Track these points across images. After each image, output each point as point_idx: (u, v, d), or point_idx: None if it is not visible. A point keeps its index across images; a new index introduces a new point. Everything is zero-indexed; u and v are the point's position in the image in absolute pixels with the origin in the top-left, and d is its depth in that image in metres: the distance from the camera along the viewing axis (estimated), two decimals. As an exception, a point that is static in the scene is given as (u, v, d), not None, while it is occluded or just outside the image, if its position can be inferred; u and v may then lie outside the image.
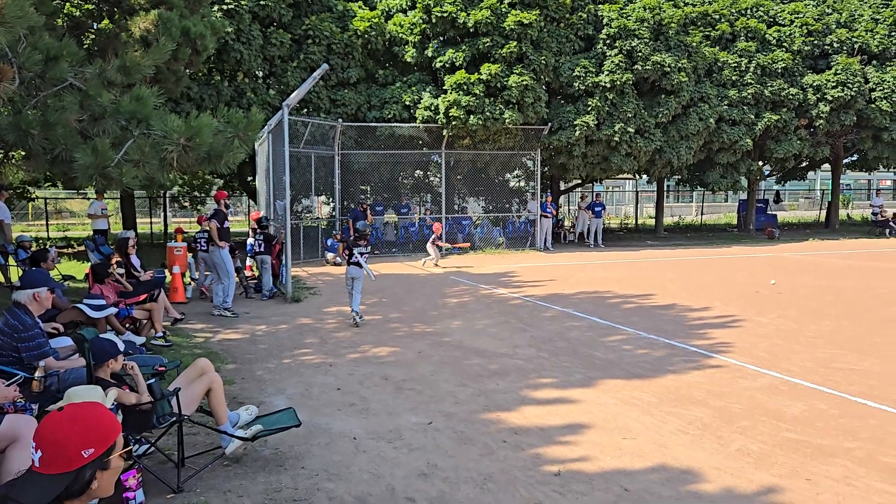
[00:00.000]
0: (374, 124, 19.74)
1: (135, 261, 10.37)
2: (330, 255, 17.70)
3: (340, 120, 18.96)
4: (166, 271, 12.48)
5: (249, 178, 22.78)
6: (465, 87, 18.98)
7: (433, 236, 17.48)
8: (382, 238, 21.59)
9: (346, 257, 10.00)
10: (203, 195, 29.57)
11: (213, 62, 17.66)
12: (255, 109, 6.48)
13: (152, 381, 4.41)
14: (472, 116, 19.02)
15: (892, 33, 25.12)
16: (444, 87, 19.43)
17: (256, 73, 18.69)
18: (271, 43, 18.15)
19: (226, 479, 4.57)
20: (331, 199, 21.35)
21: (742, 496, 4.32)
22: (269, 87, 18.65)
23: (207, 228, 11.33)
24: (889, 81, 24.24)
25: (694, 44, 21.75)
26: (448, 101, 19.00)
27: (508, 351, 8.21)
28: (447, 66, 19.65)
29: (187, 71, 12.78)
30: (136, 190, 19.96)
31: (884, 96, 24.19)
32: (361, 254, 9.84)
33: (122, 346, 4.38)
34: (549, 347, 8.37)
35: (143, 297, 8.54)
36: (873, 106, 24.25)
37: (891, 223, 27.35)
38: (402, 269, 16.43)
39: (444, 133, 19.76)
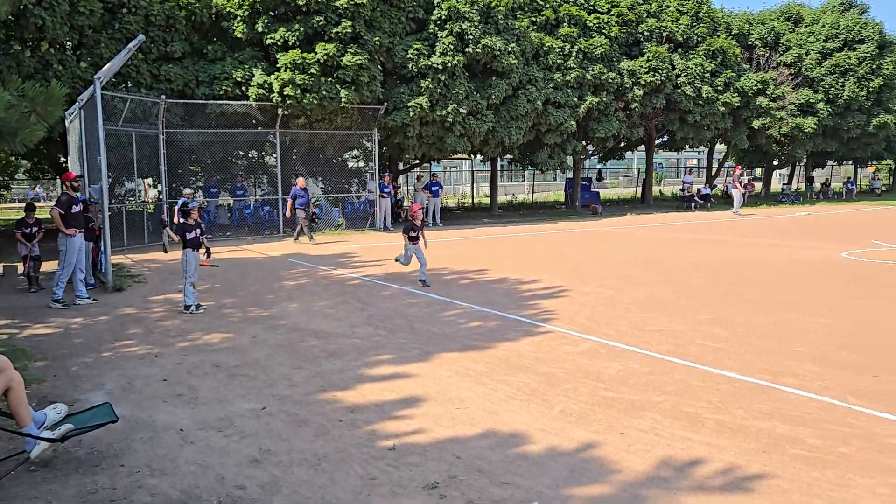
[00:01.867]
0: (201, 101, 18.73)
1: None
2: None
3: (164, 96, 17.79)
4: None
5: (62, 160, 20.83)
6: (300, 66, 18.49)
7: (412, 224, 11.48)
8: (215, 221, 20.66)
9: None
10: (6, 178, 26.68)
11: (10, 28, 15.83)
12: (56, 83, 5.89)
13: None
14: (307, 95, 18.58)
15: (694, 24, 27.59)
16: (278, 65, 18.81)
17: (64, 42, 17.02)
18: (79, 11, 16.55)
19: (32, 484, 4.18)
20: (157, 182, 20.02)
21: (564, 453, 4.61)
22: (80, 60, 17.07)
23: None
24: (692, 69, 26.66)
25: (521, 28, 22.60)
26: (282, 79, 18.43)
27: (346, 331, 8.17)
28: (280, 43, 19.01)
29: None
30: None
31: (688, 82, 26.59)
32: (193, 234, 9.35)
33: None
34: (387, 325, 8.43)
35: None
36: (679, 91, 26.59)
37: (696, 198, 30.23)
38: (236, 253, 15.81)
39: (279, 112, 19.17)
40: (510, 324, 8.44)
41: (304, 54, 18.51)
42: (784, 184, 39.77)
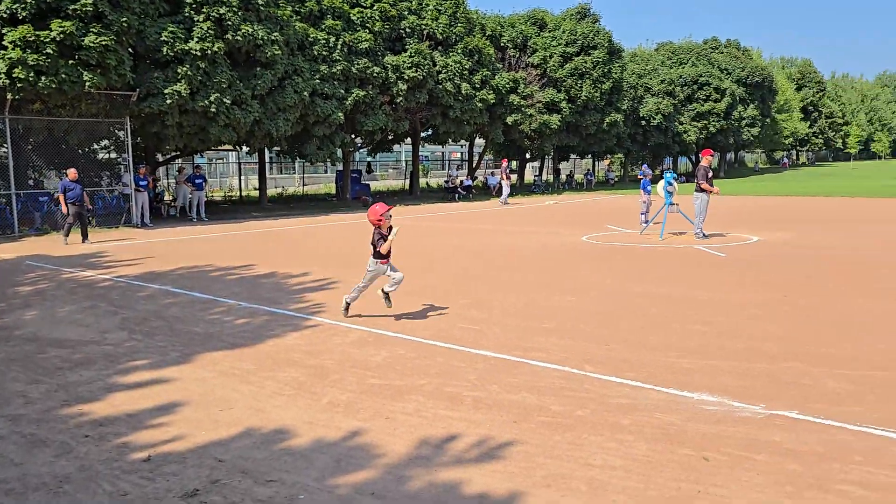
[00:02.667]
0: None
1: None
2: None
3: None
4: None
5: None
6: (32, 45, 16.42)
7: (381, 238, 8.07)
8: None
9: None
10: None
11: None
12: None
13: None
14: (42, 78, 16.59)
15: (452, 24, 29.01)
16: (4, 43, 16.54)
17: None
18: None
19: None
20: None
21: (330, 444, 4.65)
22: None
23: None
24: (452, 66, 28.03)
25: (285, 17, 22.15)
26: (10, 58, 16.25)
27: (96, 337, 7.48)
28: (6, 17, 16.72)
29: None
30: None
31: (448, 78, 27.92)
32: None
33: None
34: (144, 328, 7.86)
35: None
36: (441, 87, 27.84)
37: (459, 189, 31.94)
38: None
39: (8, 96, 16.89)
40: (279, 318, 8.30)
41: (38, 31, 16.48)
42: (535, 175, 43.50)
